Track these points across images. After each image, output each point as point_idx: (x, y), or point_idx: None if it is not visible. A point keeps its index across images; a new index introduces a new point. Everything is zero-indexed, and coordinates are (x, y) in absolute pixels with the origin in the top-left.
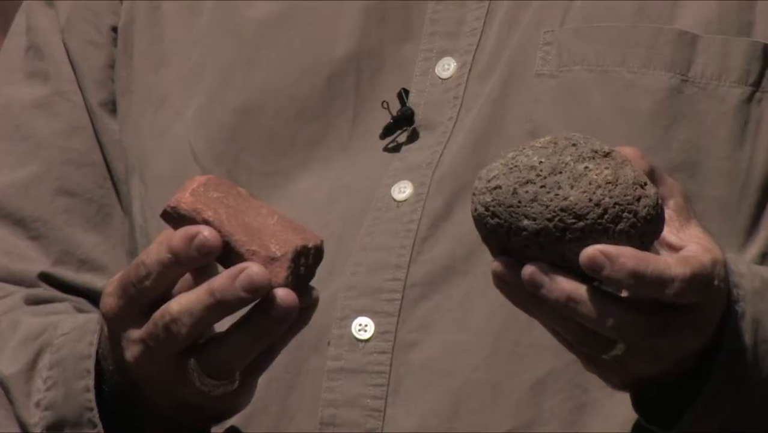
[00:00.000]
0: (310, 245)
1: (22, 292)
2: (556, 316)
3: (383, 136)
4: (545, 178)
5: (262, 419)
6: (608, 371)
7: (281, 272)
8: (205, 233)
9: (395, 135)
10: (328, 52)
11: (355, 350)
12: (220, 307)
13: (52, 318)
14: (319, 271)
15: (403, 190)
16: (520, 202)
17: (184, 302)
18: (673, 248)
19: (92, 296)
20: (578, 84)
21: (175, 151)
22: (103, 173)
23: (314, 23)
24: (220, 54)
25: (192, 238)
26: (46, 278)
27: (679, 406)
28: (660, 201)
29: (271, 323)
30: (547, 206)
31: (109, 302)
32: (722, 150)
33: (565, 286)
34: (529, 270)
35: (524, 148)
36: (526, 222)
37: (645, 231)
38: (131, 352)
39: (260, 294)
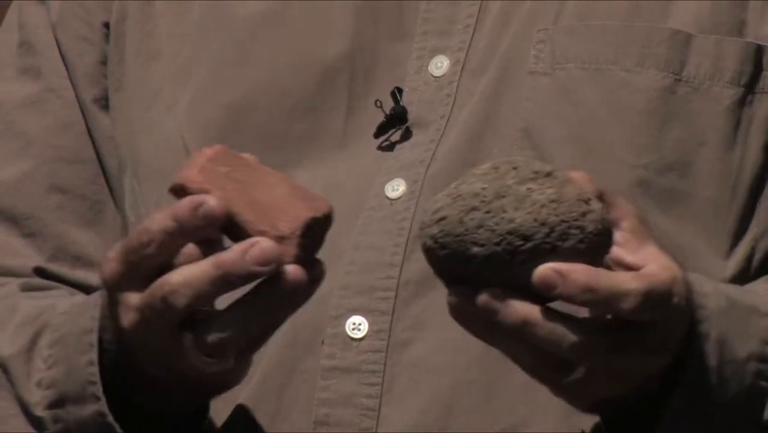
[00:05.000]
0: (319, 214)
1: (18, 280)
2: (514, 342)
3: (377, 135)
4: (490, 203)
5: (255, 417)
6: (570, 396)
7: (290, 250)
8: (211, 202)
9: (389, 134)
10: (321, 50)
11: (349, 348)
12: (225, 280)
13: (50, 300)
14: None
15: (396, 189)
16: (467, 230)
17: (187, 273)
18: (631, 269)
19: (87, 292)
20: (571, 82)
21: (167, 147)
22: (95, 170)
23: (306, 21)
24: (211, 50)
25: (197, 206)
26: (41, 272)
27: (644, 429)
28: (606, 215)
29: (278, 300)
30: (494, 231)
31: (110, 266)
32: (714, 151)
33: (520, 309)
34: (482, 297)
35: (466, 177)
36: (475, 249)
37: (594, 246)
38: (128, 319)
39: (270, 269)
